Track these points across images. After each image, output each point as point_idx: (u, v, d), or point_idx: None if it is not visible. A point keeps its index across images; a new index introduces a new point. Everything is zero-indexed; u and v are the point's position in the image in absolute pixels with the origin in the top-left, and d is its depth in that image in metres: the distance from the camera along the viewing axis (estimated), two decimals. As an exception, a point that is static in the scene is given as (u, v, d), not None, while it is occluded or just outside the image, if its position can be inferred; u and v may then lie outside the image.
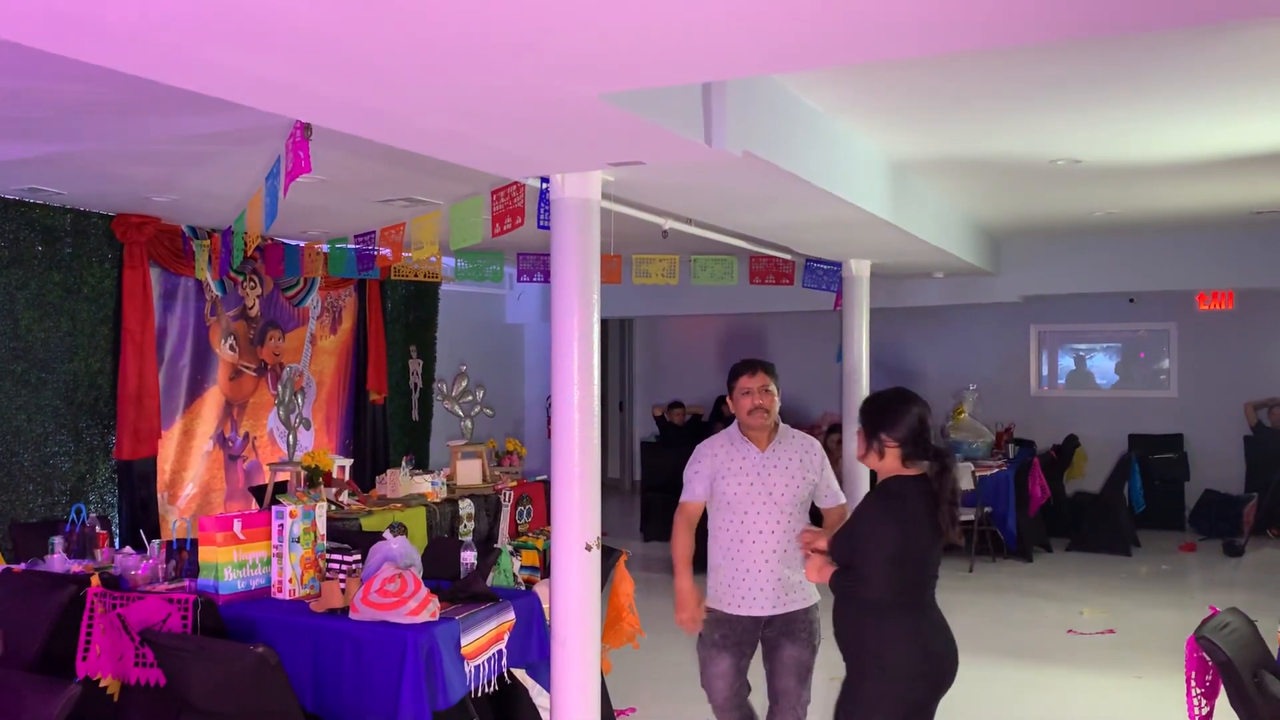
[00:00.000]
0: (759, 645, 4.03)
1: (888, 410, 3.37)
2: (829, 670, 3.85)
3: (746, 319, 13.04)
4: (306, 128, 3.82)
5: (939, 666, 3.33)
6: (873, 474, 3.87)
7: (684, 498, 4.12)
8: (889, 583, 3.25)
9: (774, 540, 3.91)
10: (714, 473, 4.02)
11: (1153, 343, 11.81)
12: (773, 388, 4.04)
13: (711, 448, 4.09)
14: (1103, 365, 12.17)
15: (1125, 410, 11.62)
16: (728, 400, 4.15)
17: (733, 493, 3.97)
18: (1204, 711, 3.54)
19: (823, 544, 3.54)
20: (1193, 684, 3.54)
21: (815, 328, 12.40)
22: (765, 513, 3.93)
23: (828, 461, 4.12)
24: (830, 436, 10.18)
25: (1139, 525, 10.18)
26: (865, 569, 3.28)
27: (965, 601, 7.95)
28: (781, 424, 4.10)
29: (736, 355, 14.29)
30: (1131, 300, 11.41)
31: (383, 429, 9.97)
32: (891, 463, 3.34)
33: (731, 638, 3.97)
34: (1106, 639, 6.92)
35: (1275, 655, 3.79)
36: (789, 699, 3.97)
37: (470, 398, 8.39)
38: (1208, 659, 3.45)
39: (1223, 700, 3.55)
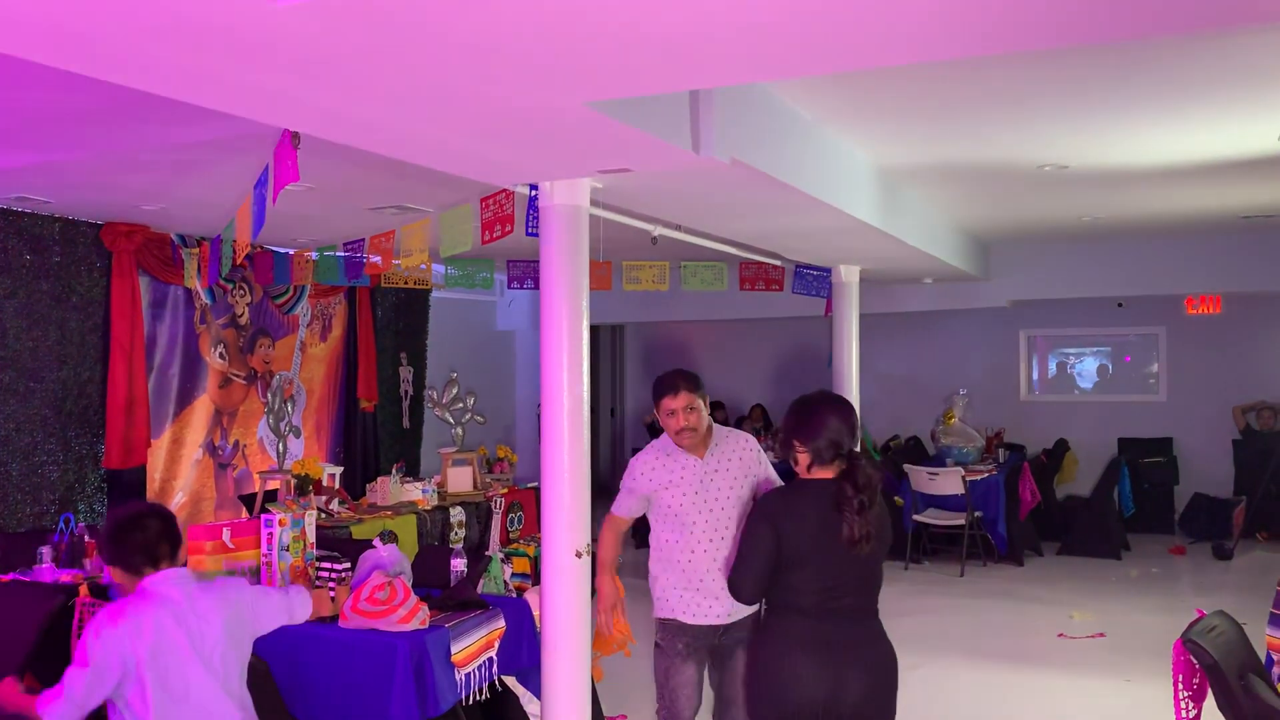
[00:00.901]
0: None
1: (803, 416, 3.30)
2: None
3: (737, 325, 13.05)
4: (294, 136, 3.82)
5: (776, 690, 3.15)
6: None
7: (614, 509, 4.05)
8: (755, 588, 3.23)
9: (724, 548, 3.80)
10: (652, 488, 3.93)
11: (1141, 347, 11.85)
12: (697, 403, 3.92)
13: (648, 464, 3.97)
14: (1091, 369, 12.21)
15: (1114, 414, 11.66)
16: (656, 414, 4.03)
17: (677, 505, 3.86)
18: (1191, 714, 3.55)
19: None
20: (1180, 687, 3.55)
21: (805, 333, 12.42)
22: (712, 522, 3.82)
23: (763, 453, 4.05)
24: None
25: (1129, 529, 10.20)
26: (736, 570, 3.29)
27: (956, 605, 7.96)
28: (715, 426, 4.02)
29: (728, 361, 14.35)
30: (1120, 305, 11.46)
31: (373, 436, 9.95)
32: (802, 467, 3.29)
33: (693, 645, 3.90)
34: (1096, 642, 6.93)
35: (1263, 658, 3.81)
36: (736, 709, 3.89)
37: (461, 405, 8.39)
38: (1195, 662, 3.47)
39: (1211, 703, 3.56)
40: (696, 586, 3.84)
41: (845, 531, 3.11)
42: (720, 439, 4.00)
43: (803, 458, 3.26)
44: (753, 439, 4.09)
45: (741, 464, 3.95)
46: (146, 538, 3.03)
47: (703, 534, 3.83)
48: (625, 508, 4.03)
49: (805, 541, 3.16)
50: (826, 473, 3.24)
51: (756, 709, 3.32)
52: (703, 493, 3.86)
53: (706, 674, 3.99)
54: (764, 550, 3.18)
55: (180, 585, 3.06)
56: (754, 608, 3.84)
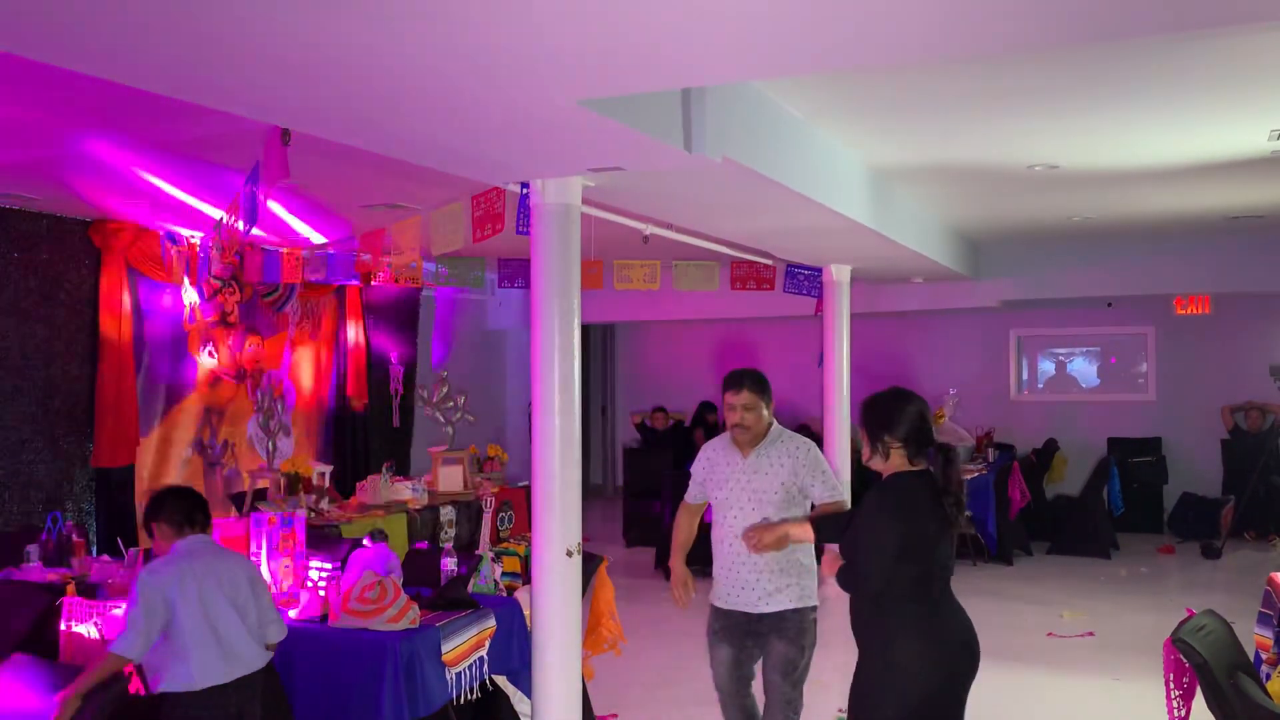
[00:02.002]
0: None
1: (887, 411, 3.35)
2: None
3: (728, 324, 13.06)
4: (284, 134, 3.81)
5: (949, 657, 3.25)
6: (858, 471, 3.88)
7: (686, 495, 4.28)
8: (888, 577, 3.23)
9: None
10: (703, 477, 4.16)
11: (1131, 347, 11.89)
12: (759, 404, 3.99)
13: (707, 451, 4.21)
14: (1082, 369, 12.25)
15: (1104, 414, 11.70)
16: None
17: (718, 496, 4.08)
18: (1181, 713, 3.56)
19: (769, 535, 3.80)
20: (1171, 686, 3.56)
21: (796, 333, 12.43)
22: (742, 518, 3.98)
23: (821, 460, 4.08)
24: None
25: (1118, 528, 10.23)
26: (864, 564, 3.28)
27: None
28: (775, 427, 4.09)
29: (719, 360, 14.33)
30: (1109, 304, 11.49)
31: (363, 436, 9.92)
32: (897, 461, 3.32)
33: (726, 630, 4.08)
34: (1086, 641, 6.95)
35: (1251, 657, 3.82)
36: (774, 692, 4.02)
37: (451, 404, 8.37)
38: (1184, 661, 3.48)
39: (1200, 702, 3.57)
40: (726, 574, 4.06)
41: (950, 515, 3.22)
42: (773, 441, 4.05)
43: (895, 450, 3.31)
44: (811, 445, 4.10)
45: (788, 467, 3.99)
46: (188, 503, 3.71)
47: (733, 527, 4.00)
48: (690, 493, 4.26)
49: (928, 529, 3.23)
50: (919, 465, 3.30)
51: (894, 707, 3.23)
52: (742, 489, 4.00)
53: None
54: (892, 545, 3.20)
55: (209, 545, 3.70)
56: (791, 604, 3.95)
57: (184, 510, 3.66)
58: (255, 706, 3.63)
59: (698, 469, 4.20)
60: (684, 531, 4.29)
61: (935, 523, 3.24)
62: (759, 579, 3.97)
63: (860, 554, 3.28)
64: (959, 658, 3.27)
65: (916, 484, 3.28)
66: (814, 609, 4.05)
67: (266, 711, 3.72)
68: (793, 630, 3.99)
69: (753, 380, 4.00)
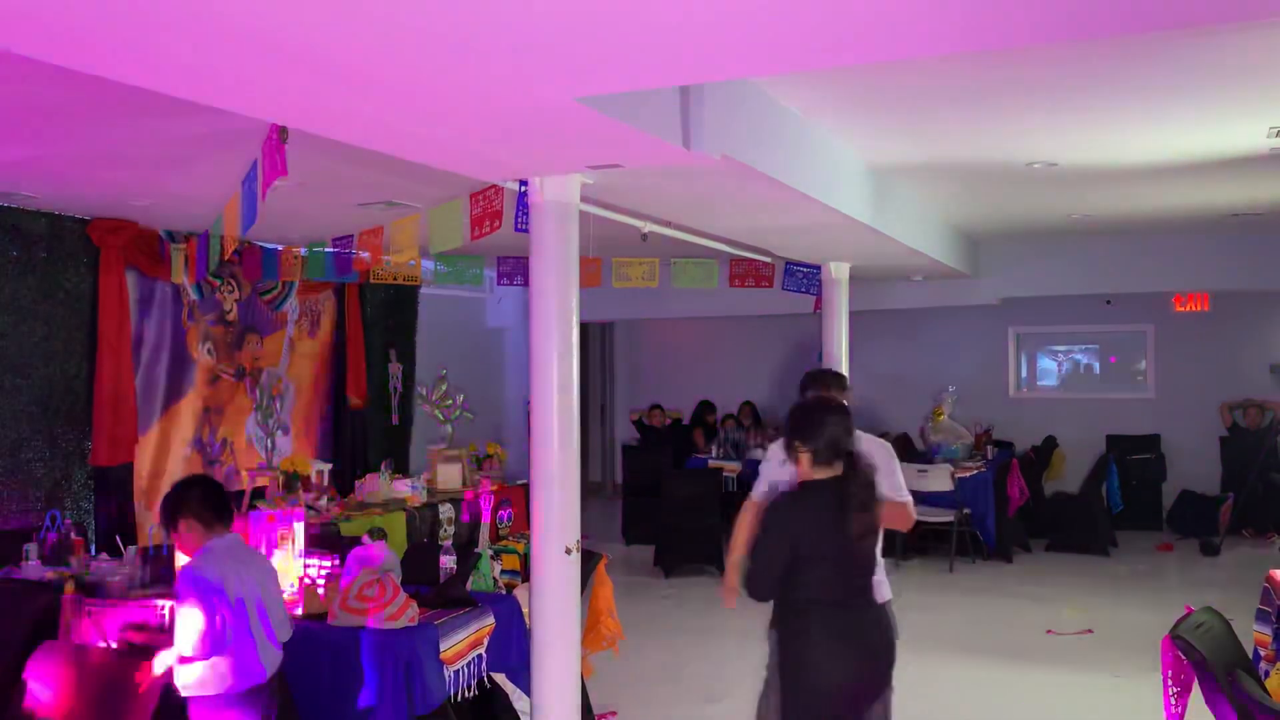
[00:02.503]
0: None
1: (804, 420, 3.45)
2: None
3: (727, 322, 13.06)
4: (282, 131, 3.80)
5: (814, 676, 3.30)
6: None
7: (753, 493, 4.20)
8: (770, 586, 3.33)
9: None
10: (773, 477, 4.09)
11: (1130, 344, 11.90)
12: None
13: (775, 451, 4.17)
14: (1080, 367, 12.25)
15: (1103, 411, 11.70)
16: None
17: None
18: (1178, 709, 3.57)
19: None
20: (1169, 683, 3.56)
21: (795, 330, 12.43)
22: None
23: (894, 460, 4.18)
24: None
25: (1117, 525, 10.24)
26: (750, 571, 3.36)
27: (945, 602, 7.98)
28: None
29: (717, 359, 14.38)
30: (1108, 302, 11.50)
31: (362, 433, 9.92)
32: (804, 468, 3.40)
33: None
34: (1085, 638, 6.96)
35: (1250, 654, 3.82)
36: None
37: (450, 401, 8.37)
38: (1183, 658, 3.48)
39: (1198, 699, 3.58)
40: None
41: (853, 528, 3.28)
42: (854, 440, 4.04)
43: (803, 456, 3.39)
44: (885, 445, 4.14)
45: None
46: (218, 498, 3.61)
47: None
48: (757, 491, 4.21)
49: (817, 540, 3.30)
50: (826, 473, 3.37)
51: (792, 700, 3.37)
52: None
53: None
54: (778, 552, 3.30)
55: (240, 542, 3.64)
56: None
57: (214, 506, 3.56)
58: (277, 705, 3.64)
59: (767, 468, 4.21)
60: (744, 531, 4.12)
61: (830, 533, 3.30)
62: None
63: (752, 562, 3.37)
64: (823, 675, 3.29)
65: (816, 492, 3.36)
66: (891, 602, 3.84)
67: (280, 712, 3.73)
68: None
69: (835, 379, 4.13)
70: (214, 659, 3.38)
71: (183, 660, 3.37)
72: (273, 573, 3.71)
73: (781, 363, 12.93)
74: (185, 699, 3.45)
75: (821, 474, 3.38)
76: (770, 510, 3.41)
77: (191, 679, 3.38)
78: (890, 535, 9.11)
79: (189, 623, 3.36)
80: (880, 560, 3.78)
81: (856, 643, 3.33)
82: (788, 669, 3.35)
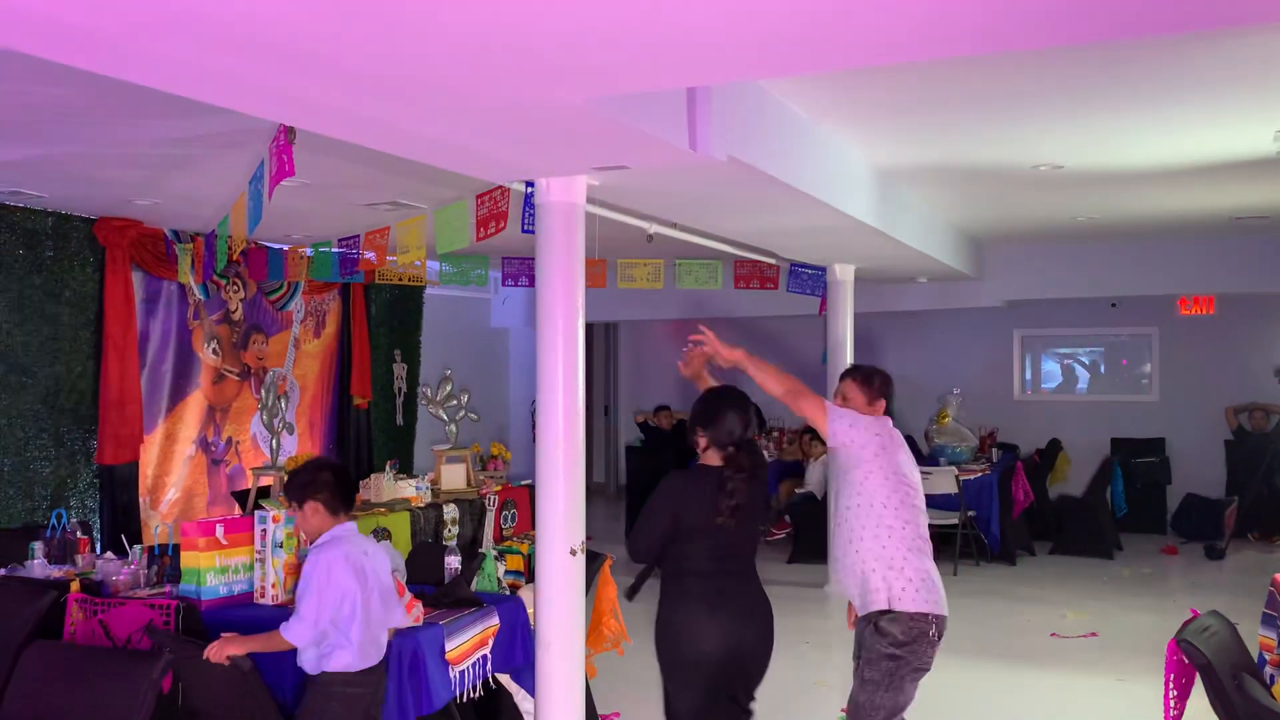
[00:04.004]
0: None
1: (704, 408, 3.78)
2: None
3: (731, 323, 13.05)
4: (290, 131, 3.81)
5: (683, 642, 3.61)
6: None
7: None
8: (648, 548, 3.67)
9: (839, 530, 3.89)
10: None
11: (1135, 347, 11.88)
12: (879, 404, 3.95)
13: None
14: (1085, 369, 12.24)
15: (1107, 414, 11.68)
16: None
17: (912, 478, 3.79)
18: (1175, 712, 3.56)
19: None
20: (1171, 686, 3.56)
21: (800, 332, 12.43)
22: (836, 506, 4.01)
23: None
24: (804, 436, 10.23)
25: (1121, 529, 10.23)
26: (637, 533, 3.68)
27: (949, 604, 7.96)
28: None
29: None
30: (1113, 305, 11.48)
31: (366, 433, 9.94)
32: (700, 450, 3.75)
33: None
34: (1089, 641, 6.95)
35: (1255, 658, 3.82)
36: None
37: (455, 402, 8.37)
38: (1188, 661, 3.47)
39: (1199, 702, 3.57)
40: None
41: (718, 506, 3.57)
42: None
43: (702, 442, 3.72)
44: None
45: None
46: (349, 485, 3.70)
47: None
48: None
49: (699, 516, 3.60)
50: (719, 458, 3.68)
51: (666, 660, 3.70)
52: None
53: None
54: (661, 520, 3.63)
55: (358, 533, 3.70)
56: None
57: (344, 493, 3.64)
58: (383, 686, 3.73)
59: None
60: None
61: (706, 515, 3.59)
62: None
63: (638, 525, 3.69)
64: (684, 644, 3.61)
65: (700, 474, 3.67)
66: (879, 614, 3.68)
67: (251, 711, 3.74)
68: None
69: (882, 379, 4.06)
70: (349, 635, 3.50)
71: (284, 644, 3.49)
72: (388, 561, 3.80)
73: (785, 365, 12.91)
74: (307, 676, 3.59)
75: (713, 459, 3.68)
76: (664, 482, 3.70)
77: (328, 654, 3.52)
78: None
79: (305, 613, 3.47)
80: (875, 569, 3.65)
81: (730, 611, 3.58)
82: (664, 631, 3.67)
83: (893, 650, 3.62)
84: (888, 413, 3.84)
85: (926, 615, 3.66)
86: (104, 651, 3.69)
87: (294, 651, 3.63)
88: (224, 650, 3.53)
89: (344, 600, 3.50)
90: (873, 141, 5.66)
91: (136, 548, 5.01)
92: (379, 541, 4.44)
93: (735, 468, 3.63)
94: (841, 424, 3.71)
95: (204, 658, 3.52)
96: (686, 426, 3.79)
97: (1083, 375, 12.24)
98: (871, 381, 3.86)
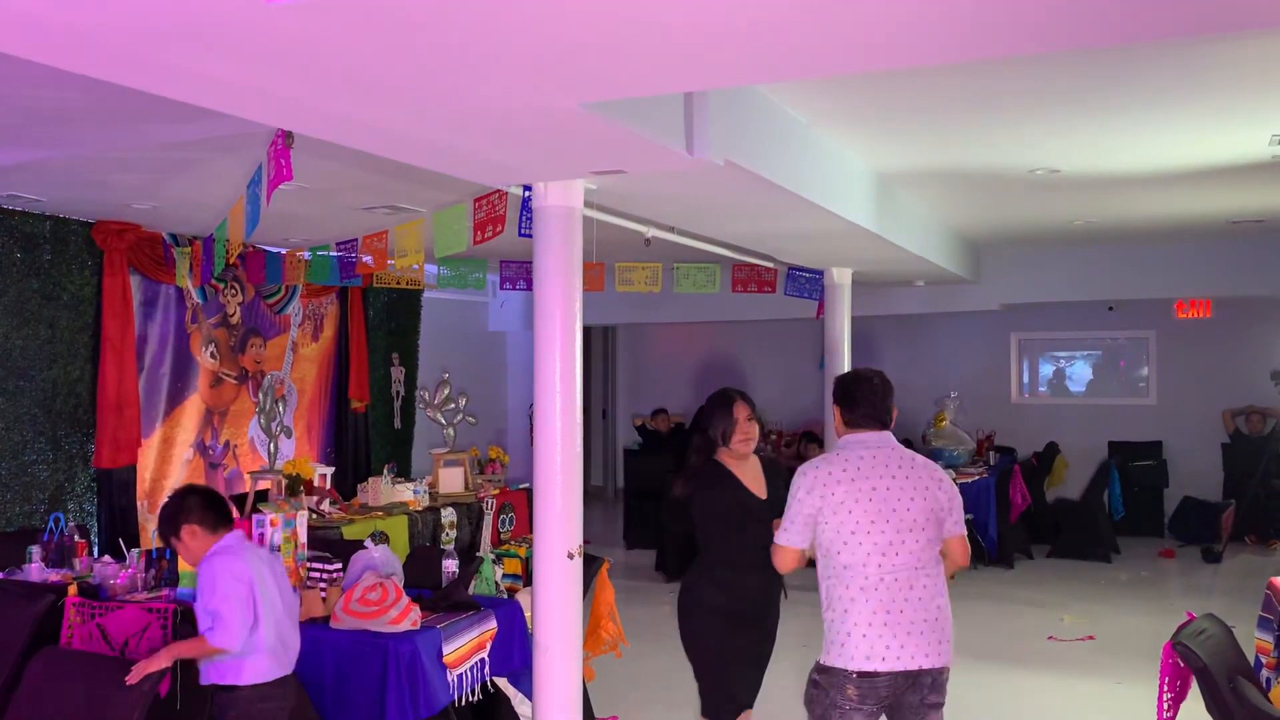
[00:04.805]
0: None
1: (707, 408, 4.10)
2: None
3: (729, 326, 13.07)
4: (287, 135, 3.82)
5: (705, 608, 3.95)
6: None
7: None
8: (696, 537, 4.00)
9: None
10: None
11: (1132, 350, 11.90)
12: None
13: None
14: (1082, 373, 12.26)
15: (1105, 417, 11.70)
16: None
17: None
18: (1169, 714, 3.57)
19: None
20: (1165, 689, 3.57)
21: (797, 335, 12.44)
22: None
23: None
24: (801, 440, 10.25)
25: (1119, 532, 10.24)
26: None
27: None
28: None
29: (720, 363, 14.36)
30: (1110, 308, 11.50)
31: (364, 437, 9.93)
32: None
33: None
34: (1086, 645, 6.96)
35: (1251, 661, 3.82)
36: None
37: (453, 405, 8.38)
38: (1184, 665, 3.48)
39: (1195, 706, 3.58)
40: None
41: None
42: None
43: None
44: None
45: None
46: (218, 501, 3.68)
47: None
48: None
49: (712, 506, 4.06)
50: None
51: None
52: None
53: None
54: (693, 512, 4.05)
55: (246, 541, 3.70)
56: None
57: (216, 510, 3.61)
58: (295, 698, 3.69)
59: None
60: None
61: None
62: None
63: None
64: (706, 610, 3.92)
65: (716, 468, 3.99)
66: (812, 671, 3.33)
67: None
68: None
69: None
70: (246, 648, 3.43)
71: (213, 650, 3.40)
72: (284, 568, 3.76)
73: (784, 368, 12.93)
74: (212, 691, 3.51)
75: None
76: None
77: (238, 664, 3.45)
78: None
79: (225, 613, 3.38)
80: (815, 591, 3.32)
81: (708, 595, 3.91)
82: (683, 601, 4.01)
83: None
84: (884, 412, 3.35)
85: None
86: (103, 659, 3.68)
87: (322, 652, 3.64)
88: (145, 670, 3.41)
89: (246, 601, 3.43)
90: (870, 145, 5.67)
91: (134, 551, 5.01)
92: (377, 545, 4.44)
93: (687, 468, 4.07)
94: (794, 530, 3.30)
95: (127, 684, 3.41)
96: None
97: (1078, 378, 12.24)
98: (847, 396, 3.38)
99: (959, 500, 3.31)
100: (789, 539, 3.31)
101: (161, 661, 3.43)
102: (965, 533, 3.34)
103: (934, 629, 3.19)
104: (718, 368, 13.32)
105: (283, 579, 3.66)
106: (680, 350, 13.91)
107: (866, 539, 3.17)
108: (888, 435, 3.34)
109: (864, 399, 3.33)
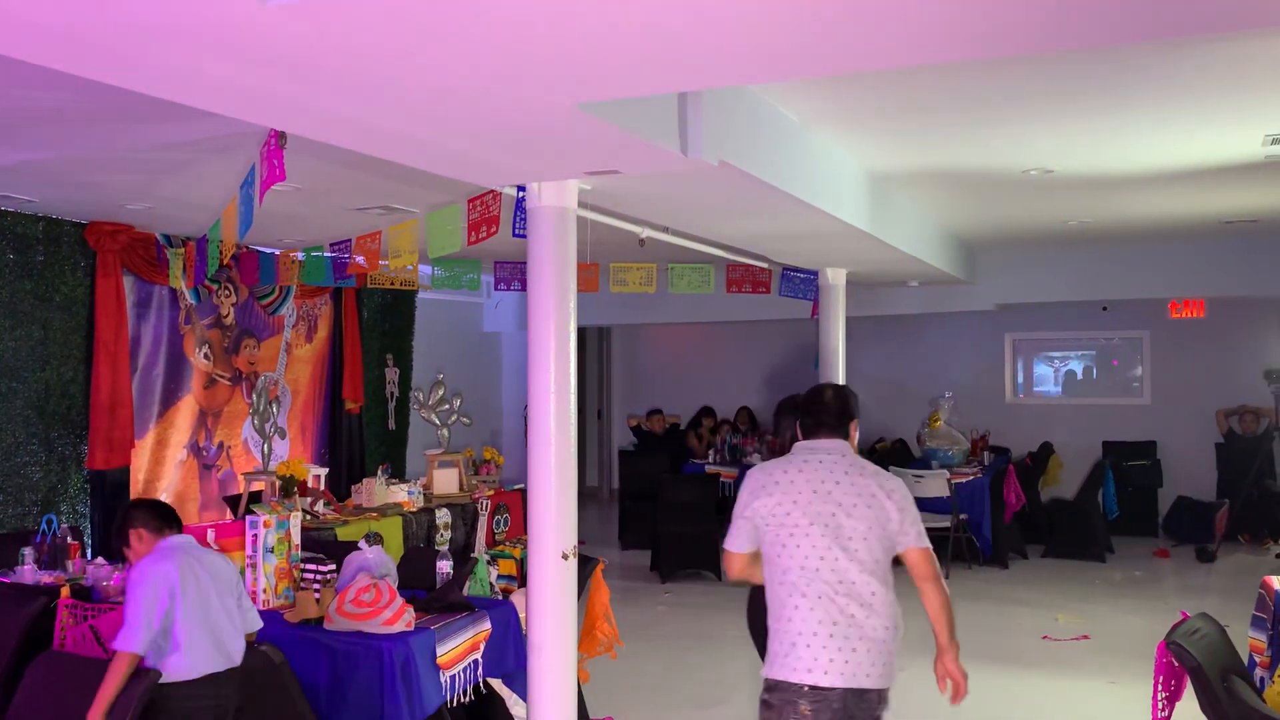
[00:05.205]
0: None
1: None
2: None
3: (724, 327, 13.07)
4: (281, 136, 3.81)
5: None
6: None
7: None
8: None
9: None
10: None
11: (1126, 350, 11.92)
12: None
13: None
14: (1077, 373, 12.27)
15: (1099, 417, 11.72)
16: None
17: None
18: (1164, 714, 3.58)
19: None
20: (1159, 688, 3.57)
21: (792, 336, 12.45)
22: None
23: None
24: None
25: (1113, 531, 10.25)
26: None
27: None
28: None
29: (715, 364, 14.39)
30: (1105, 308, 11.52)
31: (359, 438, 9.92)
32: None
33: None
34: (1081, 644, 6.96)
35: (1245, 660, 3.83)
36: None
37: (447, 406, 8.37)
38: (1178, 664, 3.49)
39: (1189, 705, 3.58)
40: None
41: None
42: None
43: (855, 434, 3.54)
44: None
45: None
46: (162, 508, 3.84)
47: None
48: None
49: None
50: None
51: None
52: None
53: None
54: None
55: (190, 543, 3.77)
56: None
57: (160, 514, 3.79)
58: (236, 698, 3.71)
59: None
60: None
61: None
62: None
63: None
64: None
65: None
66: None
67: (280, 709, 3.78)
68: None
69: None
70: (165, 647, 3.51)
71: (123, 660, 3.44)
72: (230, 568, 3.82)
73: (779, 368, 12.94)
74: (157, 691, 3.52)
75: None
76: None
77: (161, 662, 3.51)
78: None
79: (129, 616, 3.48)
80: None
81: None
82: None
83: None
84: (839, 421, 3.33)
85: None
86: (100, 663, 3.67)
87: (315, 653, 3.64)
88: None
89: (161, 602, 3.50)
90: (864, 146, 5.67)
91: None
92: (371, 546, 4.43)
93: None
94: (737, 534, 3.28)
95: None
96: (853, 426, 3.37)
97: (1072, 378, 12.26)
98: (800, 408, 3.40)
99: (913, 512, 3.22)
100: (732, 543, 3.28)
101: (99, 712, 3.39)
102: (927, 546, 3.23)
103: (879, 647, 3.11)
104: (713, 368, 13.33)
105: (224, 580, 3.73)
106: (675, 351, 13.92)
107: (805, 542, 3.12)
108: (840, 443, 3.29)
109: (815, 409, 3.32)
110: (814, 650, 3.06)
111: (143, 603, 3.48)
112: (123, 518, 3.82)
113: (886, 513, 3.17)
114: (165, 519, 3.78)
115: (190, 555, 3.68)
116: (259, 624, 3.88)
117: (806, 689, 3.05)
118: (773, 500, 3.19)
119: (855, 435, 3.37)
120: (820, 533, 3.12)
